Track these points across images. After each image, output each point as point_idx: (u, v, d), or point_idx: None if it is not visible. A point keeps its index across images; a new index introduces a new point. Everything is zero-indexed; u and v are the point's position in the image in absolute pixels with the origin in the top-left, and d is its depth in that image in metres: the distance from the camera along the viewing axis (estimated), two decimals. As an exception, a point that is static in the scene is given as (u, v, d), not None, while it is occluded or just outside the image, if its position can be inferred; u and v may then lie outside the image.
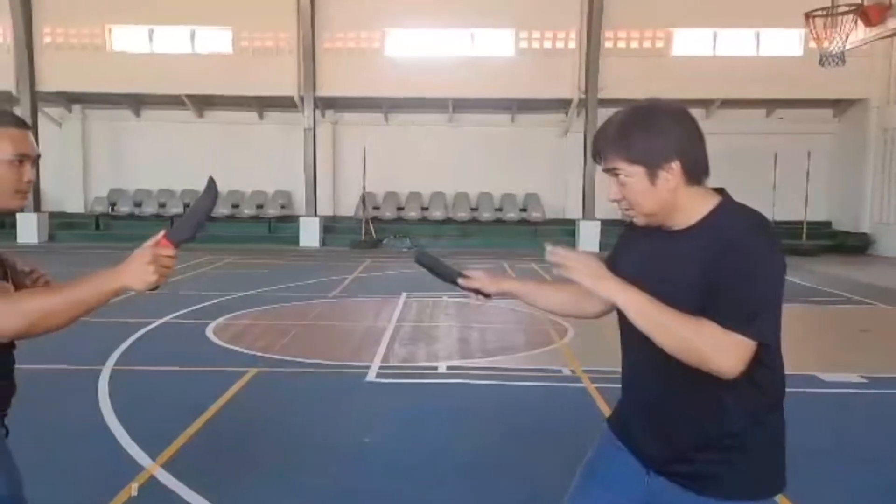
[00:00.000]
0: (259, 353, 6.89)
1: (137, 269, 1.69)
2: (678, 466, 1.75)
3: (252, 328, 8.18)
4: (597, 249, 18.29)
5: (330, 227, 19.39)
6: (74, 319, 1.75)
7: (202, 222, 1.81)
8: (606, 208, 18.98)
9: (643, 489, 1.82)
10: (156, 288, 1.72)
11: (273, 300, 10.07)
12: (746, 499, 1.71)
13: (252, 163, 19.65)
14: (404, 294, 10.63)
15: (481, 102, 19.17)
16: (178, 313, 8.83)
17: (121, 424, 4.79)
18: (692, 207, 1.70)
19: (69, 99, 19.42)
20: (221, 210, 19.27)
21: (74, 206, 19.85)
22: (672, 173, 1.66)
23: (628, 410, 1.91)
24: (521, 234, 19.40)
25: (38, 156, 2.01)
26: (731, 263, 1.58)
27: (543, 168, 19.99)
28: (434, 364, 6.71)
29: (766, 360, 1.65)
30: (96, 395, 5.48)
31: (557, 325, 8.40)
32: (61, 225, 19.13)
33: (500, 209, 19.81)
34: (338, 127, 20.09)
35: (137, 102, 19.58)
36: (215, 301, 9.81)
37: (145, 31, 18.85)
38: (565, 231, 19.44)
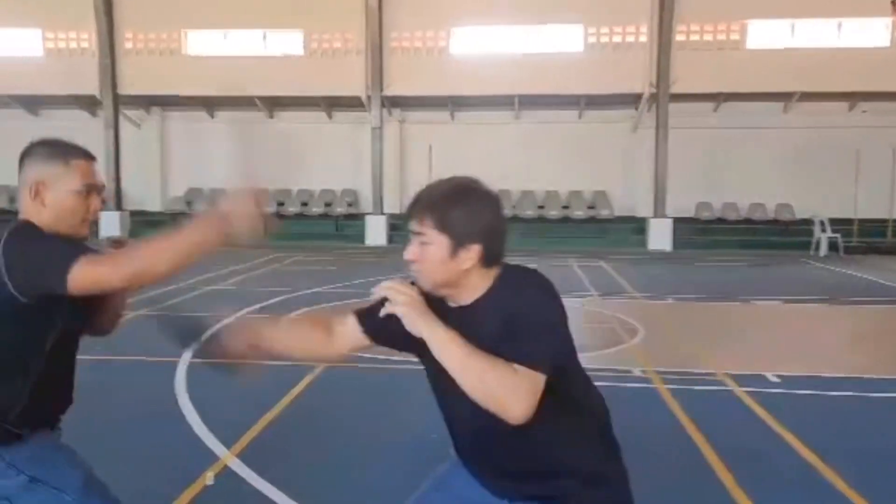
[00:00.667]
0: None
1: (243, 215, 1.79)
2: (532, 489, 1.83)
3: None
4: (669, 248, 17.90)
5: (396, 224, 19.56)
6: (179, 266, 1.83)
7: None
8: (678, 206, 18.57)
9: None
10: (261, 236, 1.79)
11: (343, 297, 10.21)
12: None
13: (320, 162, 20.00)
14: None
15: (548, 99, 18.99)
16: (250, 308, 9.05)
17: (197, 415, 4.93)
18: (476, 285, 1.77)
19: (148, 101, 20.15)
20: (290, 208, 19.69)
21: (153, 204, 20.59)
22: (471, 254, 1.73)
23: (463, 456, 1.97)
24: (590, 232, 19.13)
25: (104, 186, 2.11)
26: (514, 324, 1.67)
27: (612, 165, 19.66)
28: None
29: (564, 389, 1.74)
30: (173, 385, 5.66)
31: (627, 325, 8.24)
32: (141, 223, 19.84)
33: (567, 207, 19.59)
34: (404, 125, 20.25)
35: (211, 104, 20.16)
36: (285, 297, 10.02)
37: (220, 34, 19.40)
38: (635, 229, 19.07)
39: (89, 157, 2.06)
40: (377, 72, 18.48)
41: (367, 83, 18.59)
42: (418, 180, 19.43)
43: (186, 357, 6.55)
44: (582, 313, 9.11)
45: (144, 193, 20.59)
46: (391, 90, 18.77)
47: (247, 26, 19.08)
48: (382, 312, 1.77)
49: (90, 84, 18.88)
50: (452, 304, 1.80)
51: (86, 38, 19.16)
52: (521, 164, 19.56)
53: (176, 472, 3.96)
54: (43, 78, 19.01)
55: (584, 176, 19.62)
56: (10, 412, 1.93)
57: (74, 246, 1.88)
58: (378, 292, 1.78)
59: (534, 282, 1.76)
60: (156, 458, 4.25)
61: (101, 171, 2.13)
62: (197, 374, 5.99)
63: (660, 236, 17.95)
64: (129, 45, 19.21)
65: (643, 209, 19.23)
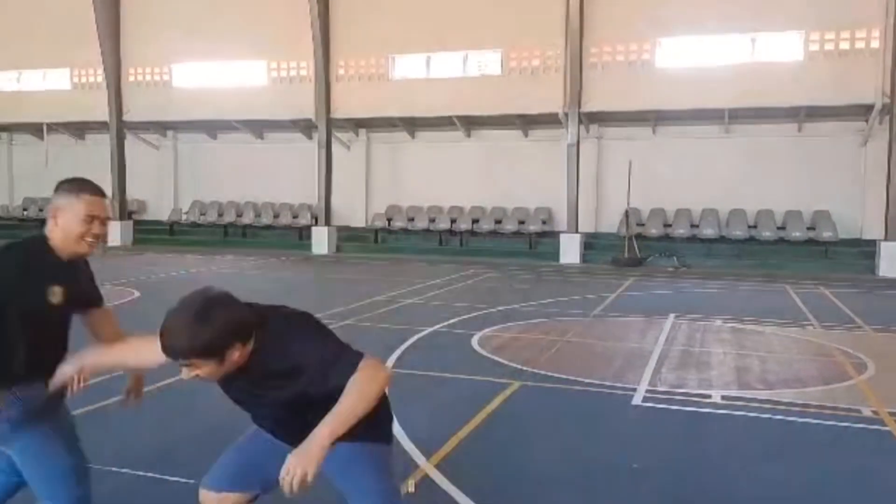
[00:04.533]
0: (522, 367, 6.84)
1: None
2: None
3: (514, 341, 8.17)
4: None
5: (591, 243, 19.08)
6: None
7: None
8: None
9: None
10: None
11: (534, 315, 10.03)
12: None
13: (515, 179, 20.03)
14: (672, 315, 9.98)
15: (762, 112, 17.62)
16: (446, 322, 9.14)
17: (397, 422, 4.98)
18: (245, 354, 2.17)
19: (356, 124, 21.40)
20: (484, 225, 19.91)
21: (358, 220, 21.78)
22: (235, 349, 2.13)
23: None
24: (809, 255, 17.41)
25: (108, 217, 2.78)
26: (295, 357, 2.18)
27: (836, 182, 17.79)
28: (707, 392, 6.11)
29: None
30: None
31: (854, 359, 7.29)
32: (347, 238, 21.10)
33: (782, 227, 17.96)
34: (602, 142, 19.76)
35: (413, 124, 20.98)
36: (480, 313, 10.02)
37: (423, 58, 20.18)
38: (862, 253, 17.10)
39: (98, 193, 2.73)
40: (576, 88, 18.20)
41: (565, 100, 18.38)
42: (616, 198, 18.97)
43: (388, 364, 6.70)
44: (800, 344, 8.20)
45: (351, 211, 21.81)
46: (590, 106, 18.39)
47: (449, 49, 19.66)
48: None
49: (307, 109, 20.42)
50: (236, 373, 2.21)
51: (304, 67, 20.77)
52: (730, 181, 18.30)
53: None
54: (267, 104, 20.85)
55: (804, 194, 17.91)
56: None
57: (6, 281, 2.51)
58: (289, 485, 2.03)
59: (295, 327, 2.25)
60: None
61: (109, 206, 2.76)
62: (398, 383, 6.09)
63: (892, 261, 15.93)
64: (341, 71, 20.54)
65: (872, 231, 17.20)
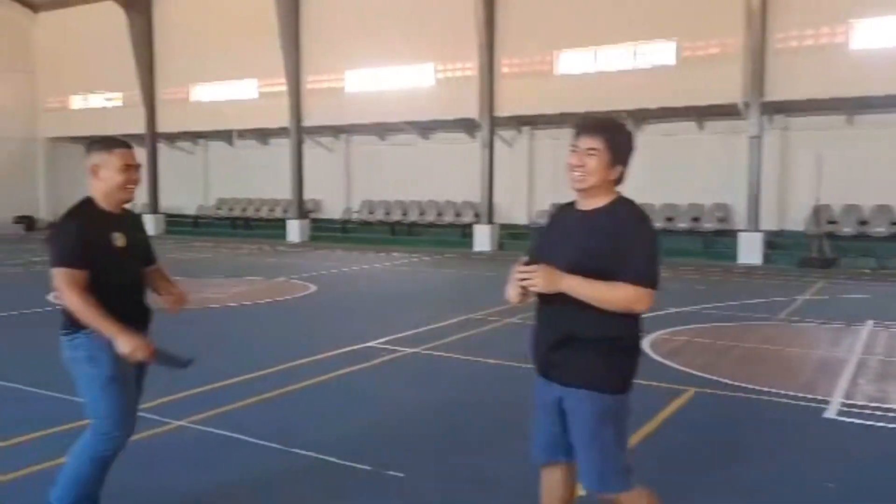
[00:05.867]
0: (698, 373, 6.38)
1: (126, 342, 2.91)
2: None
3: (690, 345, 7.67)
4: None
5: (774, 242, 17.67)
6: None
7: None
8: None
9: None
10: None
11: (711, 318, 9.38)
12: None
13: (689, 174, 18.98)
14: (870, 322, 8.96)
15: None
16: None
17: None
18: (603, 197, 2.57)
19: (519, 122, 21.27)
20: (656, 223, 19.03)
21: (520, 218, 21.65)
22: (615, 172, 2.57)
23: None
24: None
25: (139, 165, 3.16)
26: (625, 240, 2.46)
27: None
28: (916, 409, 5.38)
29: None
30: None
31: None
32: (509, 235, 21.03)
33: None
34: (787, 133, 18.24)
35: (579, 120, 20.44)
36: (656, 314, 9.52)
37: (590, 53, 19.66)
38: None
39: (126, 146, 3.14)
40: (758, 76, 16.90)
41: (746, 89, 17.13)
42: (803, 193, 17.42)
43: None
44: None
45: (514, 207, 21.75)
46: (774, 95, 16.99)
47: (618, 41, 19.00)
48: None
49: (471, 108, 20.58)
50: (578, 209, 2.63)
51: (469, 67, 20.93)
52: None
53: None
54: (433, 105, 21.25)
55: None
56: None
57: (71, 250, 2.95)
58: (515, 287, 2.56)
59: (639, 212, 2.54)
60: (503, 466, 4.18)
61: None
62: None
63: None
64: (505, 69, 20.49)
65: None
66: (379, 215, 23.38)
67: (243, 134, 25.63)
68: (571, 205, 2.66)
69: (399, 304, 10.71)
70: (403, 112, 21.58)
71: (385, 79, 22.33)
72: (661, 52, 18.70)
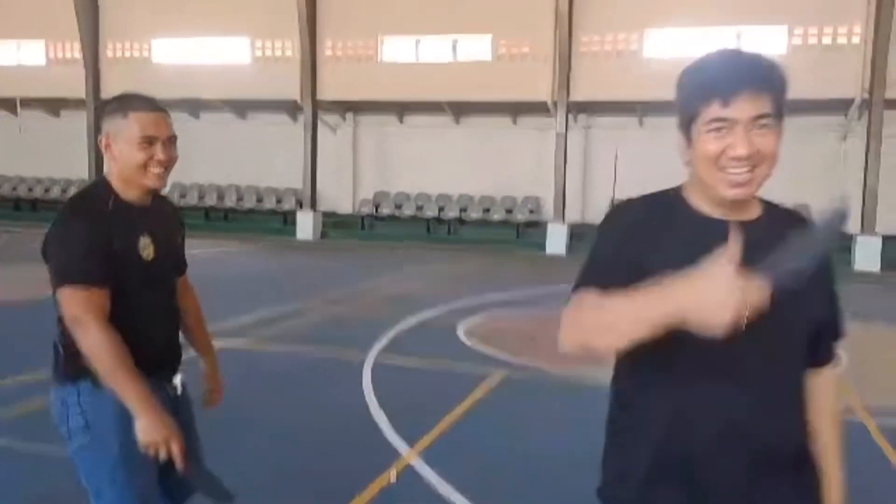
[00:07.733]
0: (506, 357, 6.83)
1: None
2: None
3: (497, 331, 8.16)
4: (877, 269, 15.99)
5: (578, 233, 19.07)
6: None
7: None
8: (889, 222, 16.58)
9: None
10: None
11: (518, 305, 10.01)
12: None
13: (503, 168, 19.96)
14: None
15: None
16: (429, 313, 9.11)
17: (383, 412, 5.00)
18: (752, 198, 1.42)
19: (344, 107, 21.14)
20: (473, 214, 19.84)
21: (345, 207, 21.58)
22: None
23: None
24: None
25: (172, 136, 2.12)
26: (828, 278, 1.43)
27: (813, 177, 17.88)
28: None
29: None
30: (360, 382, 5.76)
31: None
32: (333, 224, 20.84)
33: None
34: (590, 131, 19.74)
35: (402, 109, 20.78)
36: (461, 304, 9.98)
37: (412, 41, 19.98)
38: (837, 248, 17.23)
39: (150, 106, 2.08)
40: (564, 76, 18.13)
41: (554, 88, 18.31)
42: (603, 189, 18.89)
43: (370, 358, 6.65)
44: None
45: (338, 196, 21.59)
46: (578, 95, 18.33)
47: (438, 32, 19.46)
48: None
49: (293, 90, 20.13)
50: (712, 217, 1.44)
51: (290, 47, 20.43)
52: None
53: (362, 466, 4.00)
54: (250, 84, 20.45)
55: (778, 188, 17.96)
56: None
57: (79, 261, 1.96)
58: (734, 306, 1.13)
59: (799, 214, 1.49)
60: (341, 449, 4.28)
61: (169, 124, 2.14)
62: (382, 373, 6.05)
63: (866, 256, 16.11)
64: (328, 52, 20.24)
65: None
66: (192, 200, 22.10)
67: (27, 102, 23.04)
68: (676, 204, 1.60)
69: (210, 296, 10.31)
70: (218, 89, 20.57)
71: (197, 52, 21.15)
72: (479, 47, 19.45)
